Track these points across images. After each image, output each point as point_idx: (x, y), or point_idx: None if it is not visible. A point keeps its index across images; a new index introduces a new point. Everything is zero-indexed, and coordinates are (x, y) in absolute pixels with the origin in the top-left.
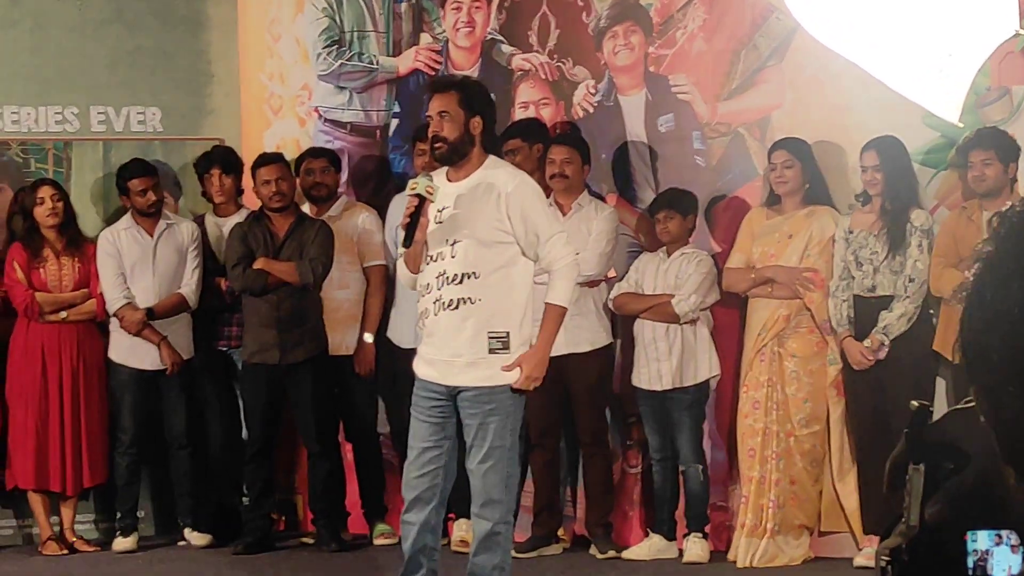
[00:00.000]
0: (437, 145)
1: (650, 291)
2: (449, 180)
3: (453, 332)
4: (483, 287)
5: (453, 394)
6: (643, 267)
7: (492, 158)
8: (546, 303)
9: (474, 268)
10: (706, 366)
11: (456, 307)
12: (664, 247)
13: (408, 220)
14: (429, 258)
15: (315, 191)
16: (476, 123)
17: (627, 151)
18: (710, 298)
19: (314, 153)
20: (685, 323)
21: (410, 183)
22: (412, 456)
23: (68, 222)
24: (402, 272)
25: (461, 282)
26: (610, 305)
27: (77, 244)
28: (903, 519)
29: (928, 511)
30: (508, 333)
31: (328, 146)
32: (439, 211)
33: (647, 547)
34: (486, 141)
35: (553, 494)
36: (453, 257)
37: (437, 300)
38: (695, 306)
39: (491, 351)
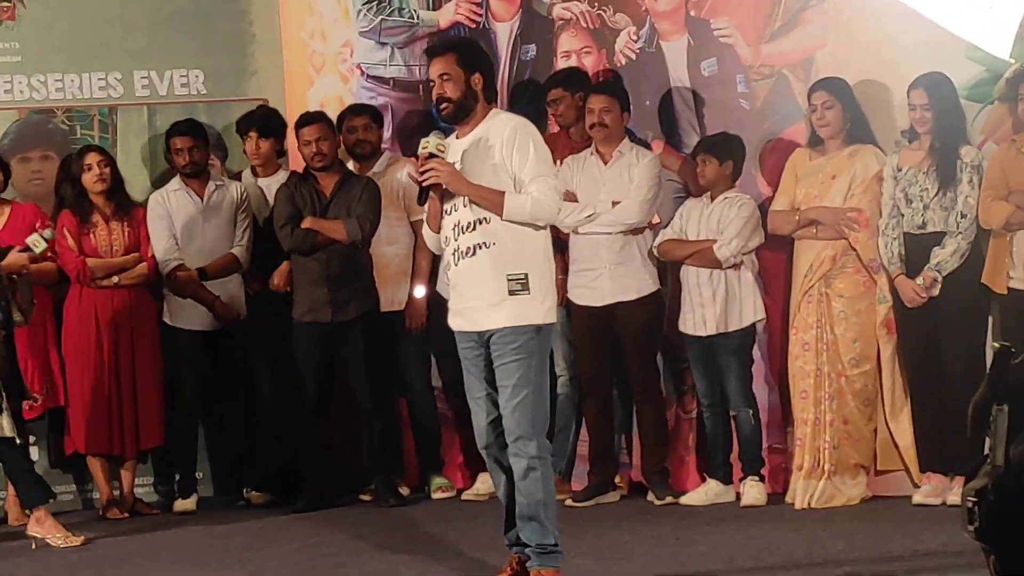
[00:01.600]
0: (443, 106)
1: (694, 236)
2: (458, 138)
3: (473, 278)
4: (496, 231)
5: (485, 339)
6: (687, 213)
7: (495, 110)
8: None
9: (485, 213)
10: (751, 310)
11: (473, 253)
12: (708, 192)
13: (422, 182)
14: (445, 213)
15: (358, 148)
16: (477, 79)
17: (671, 97)
18: (753, 242)
19: (355, 110)
20: (728, 268)
21: (422, 142)
22: (474, 408)
23: (116, 187)
24: (426, 235)
25: (474, 228)
26: (655, 252)
27: (126, 209)
28: (988, 459)
29: (1013, 450)
30: (527, 275)
31: (371, 102)
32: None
33: (704, 492)
34: (489, 95)
35: (608, 442)
36: (465, 206)
37: (456, 250)
38: (737, 251)
39: (511, 292)
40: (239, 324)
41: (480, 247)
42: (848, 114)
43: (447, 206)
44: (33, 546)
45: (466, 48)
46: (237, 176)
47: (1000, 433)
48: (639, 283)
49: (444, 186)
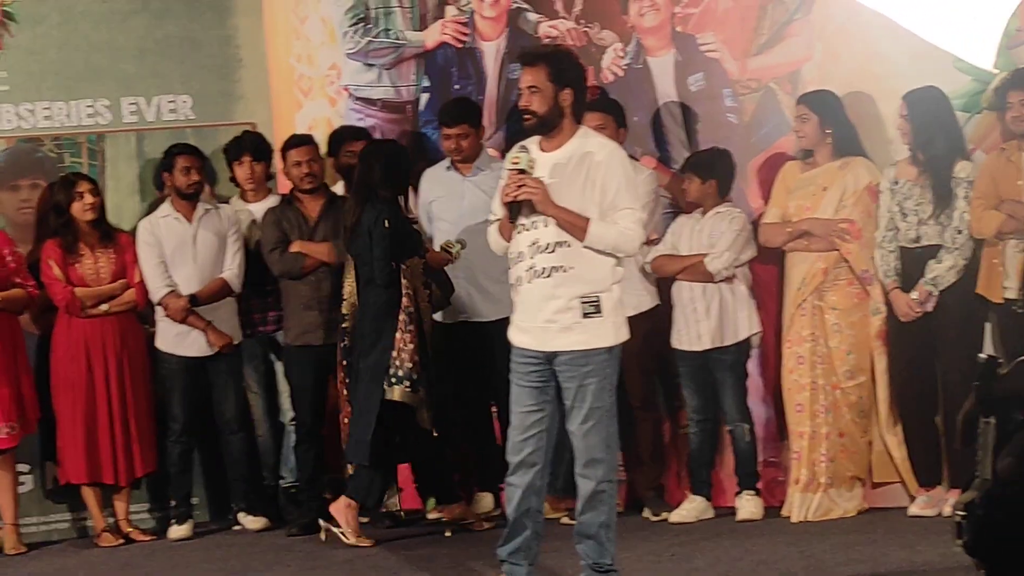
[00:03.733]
0: (526, 118)
1: (686, 252)
2: (542, 150)
3: (546, 300)
4: (575, 255)
5: (550, 359)
6: (679, 229)
7: (584, 128)
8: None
9: (566, 237)
10: (746, 324)
11: (549, 275)
12: (700, 208)
13: (513, 198)
14: (522, 227)
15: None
16: (566, 95)
17: (659, 112)
18: (745, 255)
19: (354, 135)
20: (722, 282)
21: (511, 158)
22: (515, 421)
23: (101, 215)
24: (494, 242)
25: (554, 251)
26: (647, 268)
27: (110, 236)
28: (977, 473)
29: (999, 464)
30: (599, 298)
31: (359, 124)
32: None
33: (689, 509)
34: (577, 112)
35: None
36: (546, 226)
37: (530, 268)
38: (728, 263)
39: (585, 315)
40: (235, 348)
41: (557, 270)
42: (828, 127)
43: (526, 221)
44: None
45: (560, 62)
46: (226, 202)
47: (988, 446)
48: (637, 299)
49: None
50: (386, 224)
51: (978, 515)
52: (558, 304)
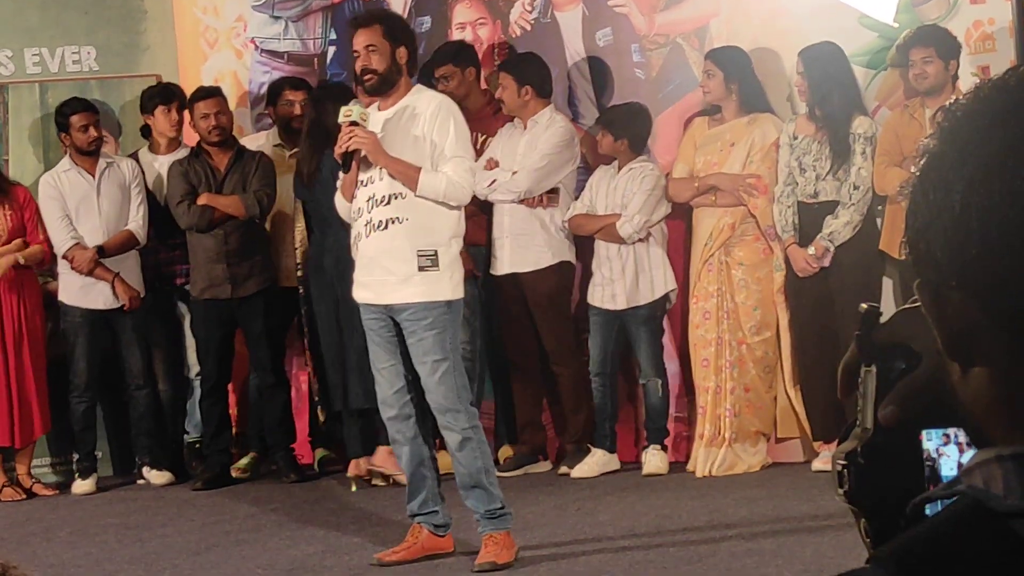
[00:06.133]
0: (367, 78)
1: (602, 210)
2: (380, 110)
3: (383, 252)
4: (410, 206)
5: (391, 313)
6: (596, 184)
7: (418, 85)
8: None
9: (401, 188)
10: (661, 282)
11: (385, 227)
12: (615, 161)
13: (345, 149)
14: (360, 184)
15: (295, 123)
16: (402, 53)
17: (566, 67)
18: (657, 214)
19: (294, 84)
20: (637, 242)
21: (343, 110)
22: (380, 379)
23: None
24: (339, 203)
25: (389, 203)
26: (565, 226)
27: (5, 191)
28: (857, 422)
29: (881, 413)
30: (436, 252)
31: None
32: None
33: (590, 464)
34: (412, 69)
35: (534, 411)
36: (381, 180)
37: (368, 223)
38: (640, 226)
39: (420, 268)
40: (140, 301)
41: (393, 221)
42: (733, 83)
43: (363, 177)
44: None
45: (393, 20)
46: (133, 155)
47: (869, 395)
48: (537, 255)
49: (363, 155)
50: None
51: (859, 464)
52: (395, 256)
